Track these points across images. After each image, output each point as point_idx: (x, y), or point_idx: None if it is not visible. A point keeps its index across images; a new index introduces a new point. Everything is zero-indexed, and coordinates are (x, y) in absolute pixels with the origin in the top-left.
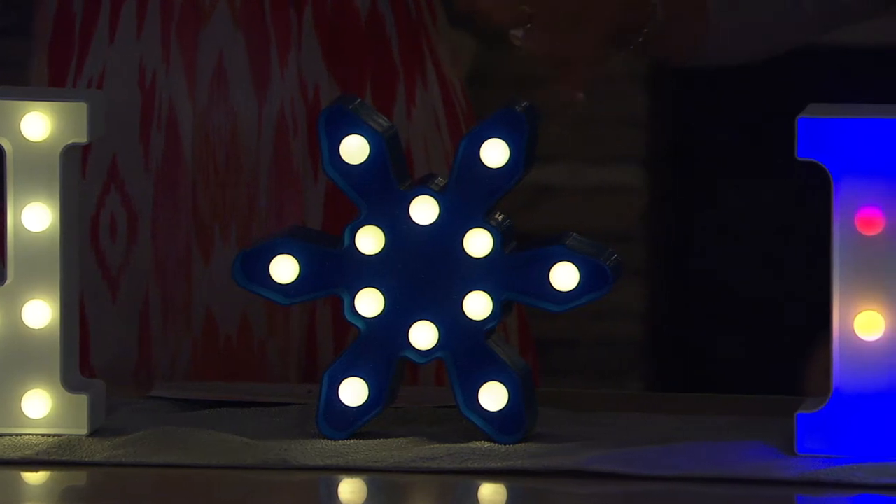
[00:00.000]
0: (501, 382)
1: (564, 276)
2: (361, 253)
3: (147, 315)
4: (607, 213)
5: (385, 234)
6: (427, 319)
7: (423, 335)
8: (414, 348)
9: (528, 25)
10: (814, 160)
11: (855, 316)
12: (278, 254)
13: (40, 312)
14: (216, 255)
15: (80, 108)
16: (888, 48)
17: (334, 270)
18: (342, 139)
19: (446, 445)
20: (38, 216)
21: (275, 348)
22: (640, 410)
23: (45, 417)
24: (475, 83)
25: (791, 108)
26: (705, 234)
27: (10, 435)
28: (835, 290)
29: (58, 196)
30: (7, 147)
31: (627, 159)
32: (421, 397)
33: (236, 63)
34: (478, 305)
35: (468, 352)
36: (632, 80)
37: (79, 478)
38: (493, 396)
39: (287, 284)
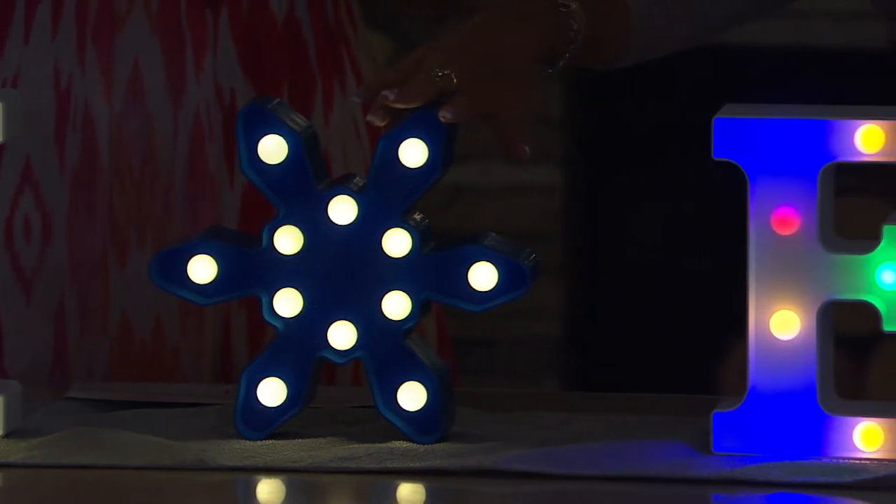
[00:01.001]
0: (420, 382)
1: (483, 276)
2: (279, 253)
3: (63, 317)
4: (522, 213)
5: (303, 234)
6: (345, 319)
7: (342, 335)
8: (332, 348)
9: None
10: (730, 160)
11: (770, 315)
12: (196, 254)
13: None
14: (132, 257)
15: None
16: (804, 48)
17: (252, 270)
18: (260, 139)
19: (365, 445)
20: None
21: (189, 350)
22: (558, 410)
23: None
24: None
25: (708, 107)
26: (621, 234)
27: None
28: (751, 289)
29: None
30: None
31: (543, 159)
32: (339, 397)
33: (152, 67)
34: (396, 305)
35: (387, 352)
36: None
37: None
38: (411, 396)
39: (205, 285)
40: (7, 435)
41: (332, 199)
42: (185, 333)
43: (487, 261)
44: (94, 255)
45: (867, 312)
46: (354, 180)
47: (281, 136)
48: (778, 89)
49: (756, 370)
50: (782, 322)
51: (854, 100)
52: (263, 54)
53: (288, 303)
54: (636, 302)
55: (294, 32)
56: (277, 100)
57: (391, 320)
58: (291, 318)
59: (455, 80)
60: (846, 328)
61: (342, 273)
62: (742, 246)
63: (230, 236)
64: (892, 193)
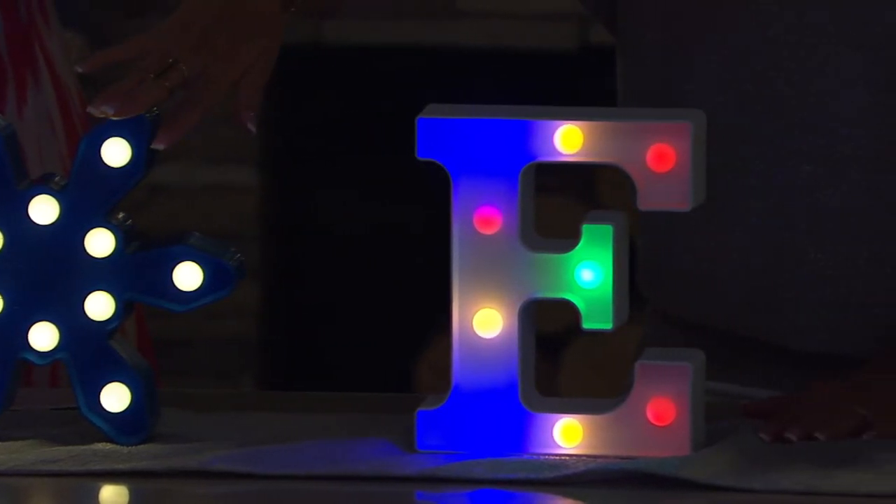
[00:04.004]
0: (123, 383)
1: (188, 276)
2: None
3: None
4: (220, 213)
5: (4, 234)
6: (47, 320)
7: (43, 336)
8: (34, 350)
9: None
10: (433, 160)
11: (474, 314)
12: None
13: None
14: None
15: None
16: (504, 50)
17: None
18: None
19: (67, 447)
20: None
21: None
22: (260, 410)
23: None
24: (89, 84)
25: (411, 107)
26: (320, 234)
27: None
28: (454, 288)
29: None
30: None
31: (240, 159)
32: (39, 399)
33: None
34: (99, 306)
35: (90, 353)
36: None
37: None
38: (115, 397)
39: None
40: None
41: (32, 198)
42: None
43: (192, 261)
44: None
45: (561, 311)
46: (55, 179)
47: None
48: (474, 90)
49: (459, 368)
50: (485, 320)
51: (547, 100)
52: None
53: None
54: (336, 301)
55: None
56: None
57: (94, 321)
58: None
59: (185, 71)
60: (540, 326)
61: (44, 273)
62: (446, 245)
63: None
64: (590, 193)
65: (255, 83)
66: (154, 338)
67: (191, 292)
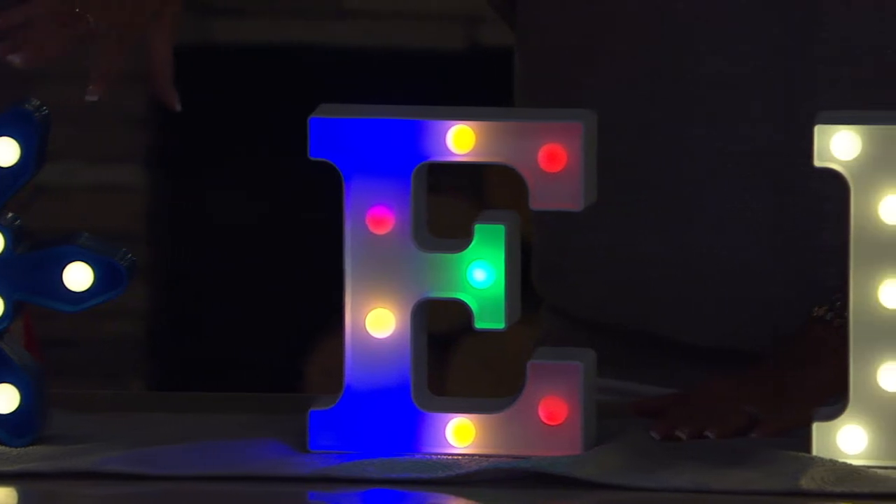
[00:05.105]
0: (13, 384)
1: (78, 276)
2: None
3: None
4: (107, 213)
5: None
6: None
7: None
8: None
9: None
10: (326, 160)
11: (366, 314)
12: None
13: None
14: None
15: None
16: (391, 50)
17: None
18: None
19: None
20: None
21: None
22: (151, 410)
23: None
24: None
25: (299, 107)
26: (207, 234)
27: None
28: (347, 288)
29: None
30: None
31: (126, 158)
32: None
33: None
34: None
35: None
36: (129, 78)
37: None
38: (4, 398)
39: None
40: None
41: None
42: None
43: (82, 261)
44: None
45: (450, 310)
46: None
47: None
48: (361, 90)
49: (352, 368)
50: (377, 320)
51: (435, 100)
52: None
53: None
54: (225, 302)
55: None
56: None
57: None
58: None
59: (91, 20)
60: (430, 326)
61: None
62: (338, 245)
63: None
64: (482, 192)
65: (165, 41)
66: (40, 338)
67: (81, 293)
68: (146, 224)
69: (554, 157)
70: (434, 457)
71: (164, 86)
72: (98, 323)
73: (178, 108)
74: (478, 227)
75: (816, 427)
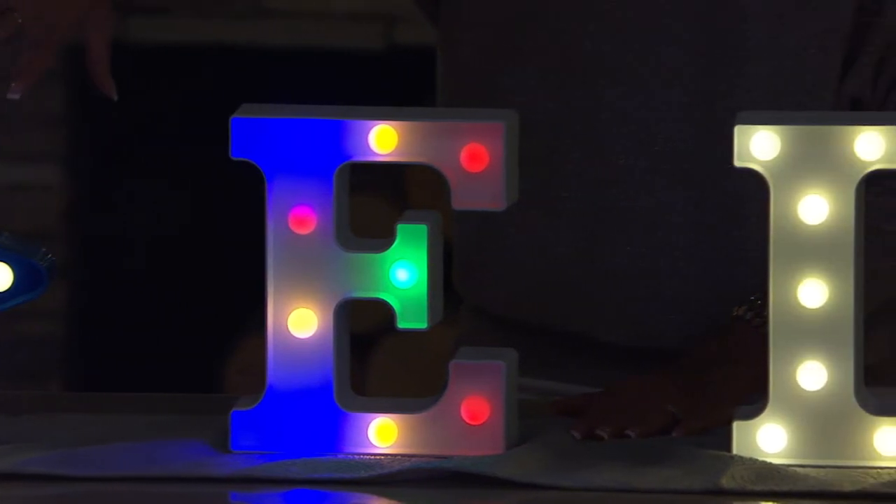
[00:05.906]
0: None
1: None
2: None
3: None
4: (23, 212)
5: None
6: None
7: None
8: None
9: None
10: (247, 159)
11: (289, 314)
12: None
13: None
14: None
15: None
16: (310, 49)
17: None
18: None
19: None
20: None
21: None
22: (71, 411)
23: None
24: None
25: (218, 106)
26: (127, 233)
27: None
28: (269, 288)
29: None
30: None
31: (44, 157)
32: None
33: None
34: None
35: None
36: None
37: None
38: None
39: None
40: None
41: None
42: None
43: (2, 261)
44: None
45: (370, 309)
46: None
47: None
48: (280, 89)
49: (274, 368)
50: (300, 320)
51: (354, 100)
52: None
53: None
54: (144, 302)
55: None
56: None
57: None
58: None
59: (18, 17)
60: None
61: None
62: (260, 245)
63: None
64: (404, 192)
65: (101, 35)
66: None
67: (1, 293)
68: (64, 224)
69: (476, 156)
70: (357, 457)
71: (102, 76)
72: (16, 323)
73: (115, 97)
74: (400, 227)
75: (737, 426)
